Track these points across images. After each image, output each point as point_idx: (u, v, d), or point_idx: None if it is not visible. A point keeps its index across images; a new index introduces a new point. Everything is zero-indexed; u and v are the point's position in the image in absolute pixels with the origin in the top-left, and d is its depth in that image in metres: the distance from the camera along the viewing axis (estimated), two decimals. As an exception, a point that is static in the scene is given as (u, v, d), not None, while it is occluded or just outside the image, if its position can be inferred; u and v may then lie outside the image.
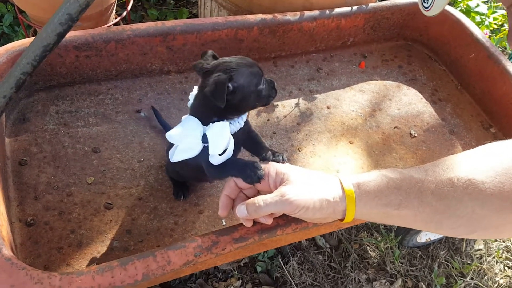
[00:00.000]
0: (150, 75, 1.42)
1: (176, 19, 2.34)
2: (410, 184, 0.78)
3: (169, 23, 1.34)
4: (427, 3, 0.76)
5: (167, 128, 1.24)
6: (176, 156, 0.95)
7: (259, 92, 0.92)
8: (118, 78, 1.38)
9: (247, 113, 0.99)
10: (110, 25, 1.77)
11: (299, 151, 1.35)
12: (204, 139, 0.91)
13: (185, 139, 0.92)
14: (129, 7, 1.87)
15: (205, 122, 0.93)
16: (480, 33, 1.57)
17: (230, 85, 0.87)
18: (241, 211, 0.86)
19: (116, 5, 1.94)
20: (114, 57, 1.31)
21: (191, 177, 1.17)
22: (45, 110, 1.28)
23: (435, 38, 1.71)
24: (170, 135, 0.92)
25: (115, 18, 1.84)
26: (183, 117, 0.96)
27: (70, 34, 1.24)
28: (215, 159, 0.91)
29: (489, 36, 2.23)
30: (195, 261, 0.87)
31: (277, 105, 1.46)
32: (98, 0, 1.59)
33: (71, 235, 1.06)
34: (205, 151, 0.92)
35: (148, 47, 1.33)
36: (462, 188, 0.74)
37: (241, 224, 0.92)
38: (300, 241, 1.61)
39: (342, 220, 0.83)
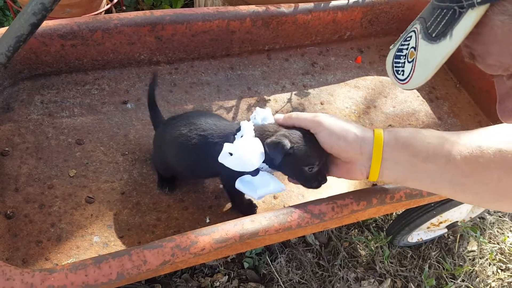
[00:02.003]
0: (139, 65, 1.38)
1: (171, 6, 2.30)
2: (441, 142, 0.81)
3: (158, 13, 1.30)
4: (403, 75, 0.59)
5: (155, 113, 1.18)
6: (226, 160, 0.92)
7: (302, 171, 0.93)
8: (105, 68, 1.35)
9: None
10: (101, 12, 1.73)
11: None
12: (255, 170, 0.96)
13: (247, 156, 0.91)
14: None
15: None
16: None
17: (288, 146, 0.89)
18: (277, 115, 0.97)
19: (110, -9, 1.90)
20: (100, 47, 1.27)
21: (186, 174, 1.14)
22: (30, 100, 1.25)
23: (434, 34, 1.67)
24: (235, 144, 0.92)
25: (107, 4, 1.80)
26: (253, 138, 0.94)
27: (55, 22, 1.20)
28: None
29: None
30: (172, 261, 0.85)
31: (269, 99, 1.43)
32: (87, -14, 1.55)
33: (50, 229, 1.04)
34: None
35: (136, 36, 1.30)
36: (490, 156, 0.75)
37: (223, 223, 0.90)
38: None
39: (367, 174, 0.87)
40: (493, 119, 1.52)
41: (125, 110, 1.29)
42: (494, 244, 1.77)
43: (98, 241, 1.04)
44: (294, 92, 1.47)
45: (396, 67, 0.62)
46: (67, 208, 1.07)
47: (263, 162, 0.94)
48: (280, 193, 1.19)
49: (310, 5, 1.47)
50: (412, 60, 0.57)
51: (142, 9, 2.26)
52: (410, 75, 0.58)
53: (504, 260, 1.73)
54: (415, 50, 0.56)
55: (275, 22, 1.44)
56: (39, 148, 1.15)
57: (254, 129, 0.95)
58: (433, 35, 0.51)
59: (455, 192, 0.81)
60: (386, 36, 1.73)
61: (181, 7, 2.24)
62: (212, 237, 0.88)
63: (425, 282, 1.56)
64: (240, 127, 0.97)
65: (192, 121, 1.01)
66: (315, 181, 0.95)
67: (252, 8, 1.39)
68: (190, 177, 1.18)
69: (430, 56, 0.53)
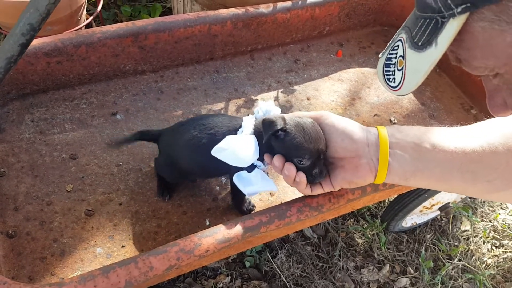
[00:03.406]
0: (124, 76, 1.39)
1: (150, 15, 2.31)
2: (444, 132, 0.81)
3: (140, 23, 1.32)
4: (394, 82, 0.61)
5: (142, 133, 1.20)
6: (220, 154, 0.93)
7: (293, 162, 0.90)
8: (91, 81, 1.36)
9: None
10: (81, 27, 1.74)
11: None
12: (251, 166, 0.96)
13: (241, 147, 0.92)
14: (100, 6, 1.84)
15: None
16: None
17: (280, 133, 0.88)
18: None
19: (88, 3, 1.91)
20: (85, 61, 1.28)
21: (199, 175, 1.18)
22: (20, 119, 1.25)
23: (410, 22, 1.71)
24: (228, 138, 0.92)
25: (87, 19, 1.80)
26: (248, 135, 0.96)
27: (39, 41, 1.21)
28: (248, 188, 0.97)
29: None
30: (178, 265, 0.87)
31: (257, 99, 1.45)
32: (66, 3, 1.56)
33: (53, 245, 1.05)
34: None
35: (120, 48, 1.31)
36: (496, 139, 0.76)
37: (224, 223, 0.92)
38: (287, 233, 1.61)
39: (376, 170, 0.84)
40: (475, 101, 1.56)
41: (115, 122, 1.30)
42: (487, 222, 1.82)
43: (101, 252, 1.05)
44: (280, 90, 1.49)
45: (387, 75, 0.64)
46: (67, 222, 1.08)
47: (259, 160, 0.96)
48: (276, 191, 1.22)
49: (288, 3, 1.50)
50: (402, 68, 0.59)
51: (121, 21, 2.27)
52: (401, 82, 0.60)
53: (498, 237, 1.78)
54: (403, 58, 0.58)
55: (255, 23, 1.46)
56: (34, 166, 1.16)
57: (254, 124, 0.97)
58: (419, 43, 0.54)
59: (466, 182, 0.80)
60: (364, 28, 1.77)
61: (159, 16, 2.25)
62: (215, 238, 0.90)
63: (423, 264, 1.59)
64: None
65: (201, 123, 1.05)
66: (308, 176, 0.89)
67: (232, 11, 1.41)
68: (203, 177, 1.21)
69: (418, 64, 0.55)
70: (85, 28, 1.73)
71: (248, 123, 0.98)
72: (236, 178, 0.97)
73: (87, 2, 1.85)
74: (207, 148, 0.96)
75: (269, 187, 0.97)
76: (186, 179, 1.20)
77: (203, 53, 1.47)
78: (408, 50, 0.56)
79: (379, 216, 1.70)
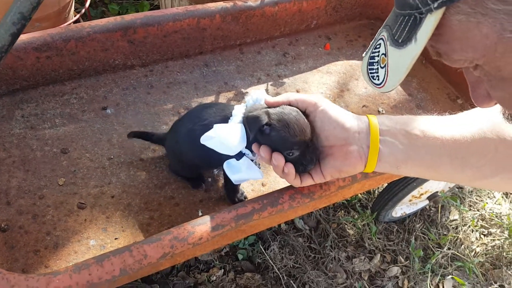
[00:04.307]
0: (114, 70, 1.40)
1: (138, 12, 2.30)
2: (433, 120, 0.83)
3: (129, 17, 1.32)
4: (378, 80, 0.63)
5: (148, 134, 1.24)
6: (208, 142, 0.94)
7: (284, 156, 0.90)
8: (81, 76, 1.36)
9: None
10: (69, 23, 1.74)
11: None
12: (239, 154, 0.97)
13: (225, 141, 0.93)
14: (88, 3, 1.83)
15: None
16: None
17: (266, 128, 0.89)
18: (266, 97, 0.94)
19: (75, 2, 1.90)
20: (75, 56, 1.28)
21: (206, 166, 1.20)
22: (11, 115, 1.25)
23: (396, 15, 1.73)
24: (216, 127, 0.93)
25: (75, 16, 1.80)
26: (236, 124, 0.96)
27: (28, 36, 1.21)
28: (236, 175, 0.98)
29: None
30: (172, 253, 0.87)
31: (247, 92, 1.46)
32: (54, -2, 1.55)
33: (46, 237, 1.05)
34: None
35: (109, 42, 1.31)
36: (485, 125, 0.78)
37: (217, 212, 0.93)
38: (279, 225, 1.63)
39: (366, 158, 0.84)
40: (460, 91, 1.58)
41: (106, 116, 1.31)
42: (475, 211, 1.85)
43: (94, 244, 1.05)
44: (270, 83, 1.51)
45: (371, 73, 0.65)
46: (60, 215, 1.08)
47: (247, 148, 0.97)
48: (267, 180, 1.23)
49: (276, -3, 1.51)
50: (384, 66, 0.61)
51: (109, 18, 2.26)
52: (385, 79, 0.61)
53: (486, 225, 1.81)
54: (385, 56, 0.60)
55: (244, 16, 1.47)
56: (26, 161, 1.16)
57: (244, 112, 0.98)
58: (399, 41, 0.55)
59: (455, 169, 0.81)
60: (351, 21, 1.79)
61: (147, 13, 2.25)
62: (208, 226, 0.91)
63: (413, 253, 1.62)
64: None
65: (195, 115, 1.07)
66: (299, 166, 0.89)
67: (220, 4, 1.42)
68: (207, 169, 1.23)
69: (400, 60, 0.56)
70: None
71: (238, 112, 0.99)
72: (225, 165, 0.98)
73: (75, 0, 1.85)
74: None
75: (254, 174, 0.98)
76: (201, 171, 1.22)
77: (192, 47, 1.48)
78: (390, 47, 0.58)
79: (369, 207, 1.72)
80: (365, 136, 0.85)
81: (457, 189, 1.88)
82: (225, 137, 0.92)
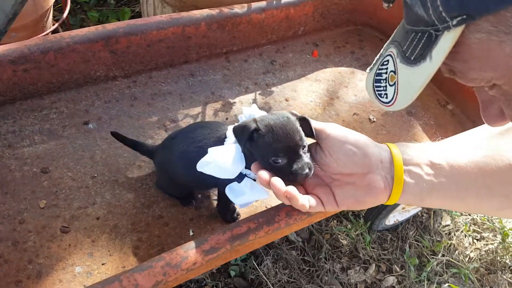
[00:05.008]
0: (96, 83, 1.33)
1: (119, 19, 2.23)
2: (454, 143, 0.81)
3: (110, 26, 1.26)
4: (386, 98, 0.59)
5: (136, 144, 1.17)
6: (205, 169, 0.89)
7: (270, 164, 0.84)
8: (61, 89, 1.29)
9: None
10: (47, 33, 1.66)
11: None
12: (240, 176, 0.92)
13: (223, 164, 0.87)
14: (67, 11, 1.76)
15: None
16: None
17: (255, 135, 0.84)
18: None
19: (53, 9, 1.83)
20: (54, 68, 1.22)
21: (200, 187, 1.16)
22: (-16, 132, 1.18)
23: (385, 20, 1.70)
24: (211, 151, 0.87)
25: (53, 25, 1.73)
26: (231, 145, 0.91)
27: (4, 48, 1.14)
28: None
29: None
30: (165, 280, 0.82)
31: (235, 102, 1.41)
32: (31, 7, 1.48)
33: (29, 266, 0.98)
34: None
35: (90, 53, 1.25)
36: (509, 149, 0.75)
37: (210, 233, 0.87)
38: (270, 239, 1.58)
39: (391, 187, 0.78)
40: (450, 96, 1.56)
41: (88, 131, 1.24)
42: (467, 216, 1.83)
43: (80, 271, 0.99)
44: (258, 92, 1.46)
45: (378, 90, 0.61)
46: (42, 241, 1.01)
47: (247, 168, 0.92)
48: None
49: (263, 3, 1.47)
50: (394, 84, 0.56)
51: (89, 26, 2.18)
52: (394, 97, 0.57)
53: (478, 230, 1.79)
54: (395, 73, 0.55)
55: (230, 24, 1.43)
56: (4, 183, 1.09)
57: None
58: (412, 58, 0.51)
59: (481, 198, 0.77)
60: (338, 27, 1.76)
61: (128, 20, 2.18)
62: (202, 249, 0.86)
63: (408, 262, 1.58)
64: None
65: (190, 136, 1.01)
66: (288, 175, 0.82)
67: (206, 12, 1.37)
68: (201, 190, 1.18)
69: (412, 79, 0.52)
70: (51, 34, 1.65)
71: (232, 132, 0.94)
72: (227, 190, 0.93)
73: (53, 8, 1.78)
74: (197, 162, 0.91)
75: (259, 195, 0.93)
76: (191, 191, 1.17)
77: (177, 56, 1.42)
78: (400, 65, 0.53)
79: (361, 216, 1.68)
80: (388, 166, 0.79)
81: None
82: (222, 161, 0.87)
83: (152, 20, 1.31)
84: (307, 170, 0.83)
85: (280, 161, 0.83)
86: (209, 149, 0.89)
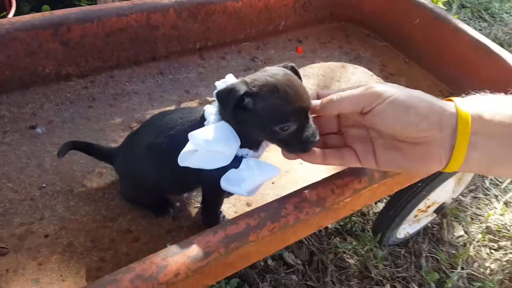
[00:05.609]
0: (45, 82, 1.11)
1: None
2: None
3: (60, 12, 1.05)
4: None
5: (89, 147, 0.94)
6: (190, 161, 0.69)
7: (275, 133, 0.67)
8: (1, 90, 1.06)
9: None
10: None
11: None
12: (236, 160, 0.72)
13: (214, 147, 0.67)
14: (13, 10, 1.55)
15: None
16: (419, -5, 1.42)
17: (247, 101, 0.66)
18: (315, 101, 0.70)
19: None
20: (-10, 60, 0.99)
21: (179, 189, 0.92)
22: None
23: (371, 13, 1.55)
24: (193, 135, 0.67)
25: None
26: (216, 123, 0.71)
27: None
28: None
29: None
30: (136, 299, 0.57)
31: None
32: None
33: None
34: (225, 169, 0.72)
35: (36, 44, 1.03)
36: None
37: (198, 234, 0.64)
38: (265, 262, 1.33)
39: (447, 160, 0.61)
40: (452, 85, 1.40)
41: (35, 136, 1.00)
42: (479, 224, 1.63)
43: (21, 305, 0.73)
44: (240, 88, 1.26)
45: None
46: (-33, 269, 0.75)
47: (242, 147, 0.71)
48: (253, 198, 0.95)
49: (239, -11, 1.29)
50: None
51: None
52: None
53: (494, 238, 1.59)
54: None
55: (203, 12, 1.24)
56: None
57: (218, 109, 0.73)
58: None
59: None
60: (322, 24, 1.59)
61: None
62: (186, 256, 0.62)
63: (428, 278, 1.36)
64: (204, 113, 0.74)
65: (157, 125, 0.81)
66: (297, 144, 0.67)
67: (174, -5, 1.18)
68: (183, 191, 0.94)
69: None
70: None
71: (211, 110, 0.74)
72: (225, 184, 0.72)
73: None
74: (171, 154, 0.70)
75: (271, 171, 0.73)
76: (165, 196, 0.93)
77: (143, 51, 1.21)
78: None
79: (366, 230, 1.46)
80: (450, 134, 0.61)
81: (455, 202, 1.67)
82: (212, 144, 0.67)
83: (111, 5, 1.11)
84: (318, 137, 0.67)
85: (289, 128, 0.65)
86: (190, 134, 0.67)
